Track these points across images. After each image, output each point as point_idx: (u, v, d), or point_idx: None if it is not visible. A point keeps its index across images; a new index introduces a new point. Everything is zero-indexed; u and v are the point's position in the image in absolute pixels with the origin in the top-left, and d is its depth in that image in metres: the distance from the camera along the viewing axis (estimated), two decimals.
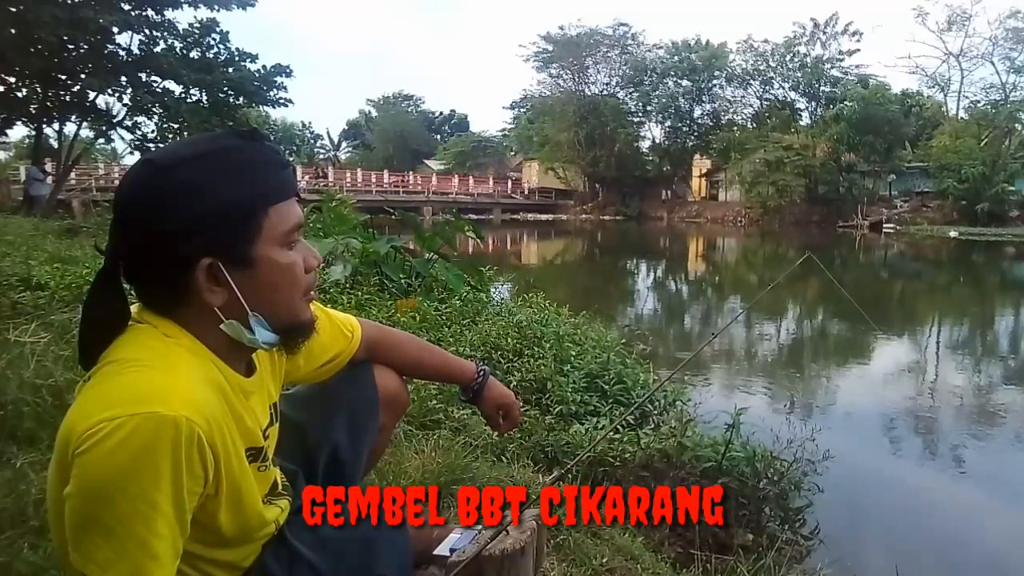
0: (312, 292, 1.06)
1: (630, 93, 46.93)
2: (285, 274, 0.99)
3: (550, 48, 46.06)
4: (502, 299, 6.02)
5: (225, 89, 16.58)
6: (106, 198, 17.88)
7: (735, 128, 43.50)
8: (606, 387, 3.74)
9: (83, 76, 15.27)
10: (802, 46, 41.17)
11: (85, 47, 15.04)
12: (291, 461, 1.32)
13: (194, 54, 16.25)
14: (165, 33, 15.98)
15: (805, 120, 42.14)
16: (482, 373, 1.51)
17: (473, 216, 27.18)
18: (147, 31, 15.76)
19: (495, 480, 2.31)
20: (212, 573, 1.07)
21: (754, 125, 43.11)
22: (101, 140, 19.72)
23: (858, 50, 41.27)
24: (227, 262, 0.94)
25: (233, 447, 0.98)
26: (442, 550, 1.41)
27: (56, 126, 17.05)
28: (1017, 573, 3.48)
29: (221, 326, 0.97)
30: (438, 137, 65.14)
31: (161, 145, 17.18)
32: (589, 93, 46.72)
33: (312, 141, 68.56)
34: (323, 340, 1.27)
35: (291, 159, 1.08)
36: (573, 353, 4.09)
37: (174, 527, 0.89)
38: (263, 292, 0.98)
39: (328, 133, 70.48)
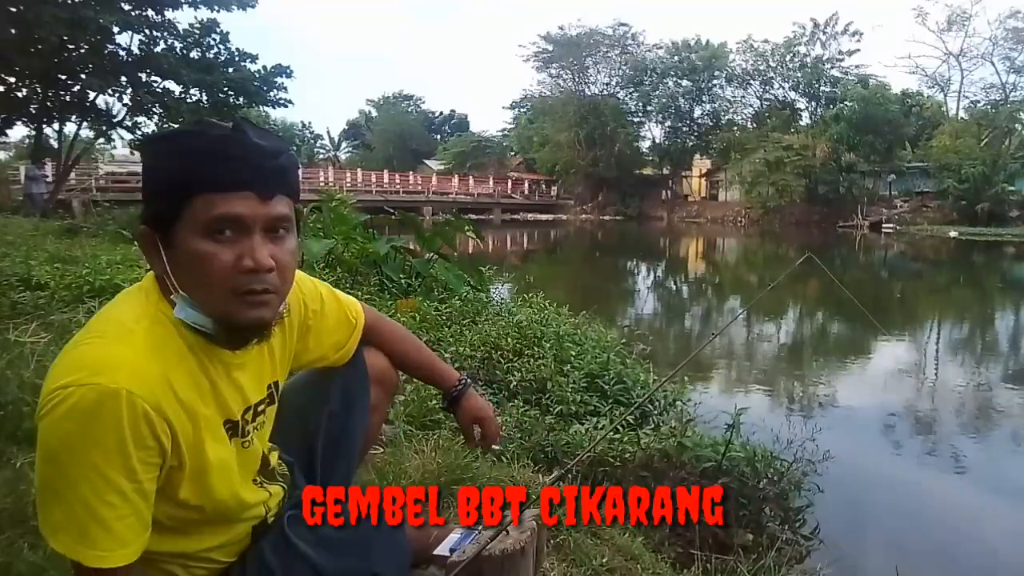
0: (256, 295, 0.99)
1: (630, 93, 46.96)
2: (199, 263, 0.96)
3: (550, 48, 46.07)
4: (502, 299, 6.02)
5: (225, 89, 16.59)
6: (106, 198, 17.88)
7: (735, 128, 43.49)
8: (606, 387, 3.74)
9: (83, 76, 15.28)
10: (802, 46, 41.22)
11: (85, 47, 15.04)
12: (290, 446, 1.33)
13: (194, 54, 16.26)
14: (165, 33, 15.99)
15: (805, 120, 42.17)
16: (463, 382, 1.49)
17: (473, 216, 27.17)
18: (147, 31, 15.77)
19: (495, 480, 2.30)
20: (197, 560, 1.10)
21: (754, 125, 43.10)
22: (101, 140, 19.71)
23: (858, 50, 41.27)
24: (161, 237, 0.97)
25: (198, 418, 1.00)
26: (442, 550, 1.41)
27: (56, 126, 17.07)
28: (1017, 573, 3.48)
29: (171, 296, 0.99)
30: (438, 137, 65.07)
31: None
32: (589, 93, 46.75)
33: (312, 141, 68.53)
34: (329, 324, 1.29)
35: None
36: (573, 353, 4.09)
37: (128, 497, 0.92)
38: (184, 275, 0.98)
39: (328, 133, 70.49)
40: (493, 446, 1.52)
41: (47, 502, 0.92)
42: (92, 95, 15.85)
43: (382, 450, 2.37)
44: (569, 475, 2.49)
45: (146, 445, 0.92)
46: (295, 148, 61.80)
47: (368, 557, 1.22)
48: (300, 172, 1.09)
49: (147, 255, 1.00)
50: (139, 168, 1.13)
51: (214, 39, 16.37)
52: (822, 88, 40.97)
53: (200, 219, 0.95)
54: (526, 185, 49.41)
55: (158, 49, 15.93)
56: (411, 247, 6.30)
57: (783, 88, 43.19)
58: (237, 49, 16.67)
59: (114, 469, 0.90)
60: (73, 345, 0.96)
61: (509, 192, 47.52)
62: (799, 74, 41.35)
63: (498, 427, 1.51)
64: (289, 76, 17.16)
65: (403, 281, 5.57)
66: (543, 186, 50.44)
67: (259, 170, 0.97)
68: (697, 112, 45.85)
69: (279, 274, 1.00)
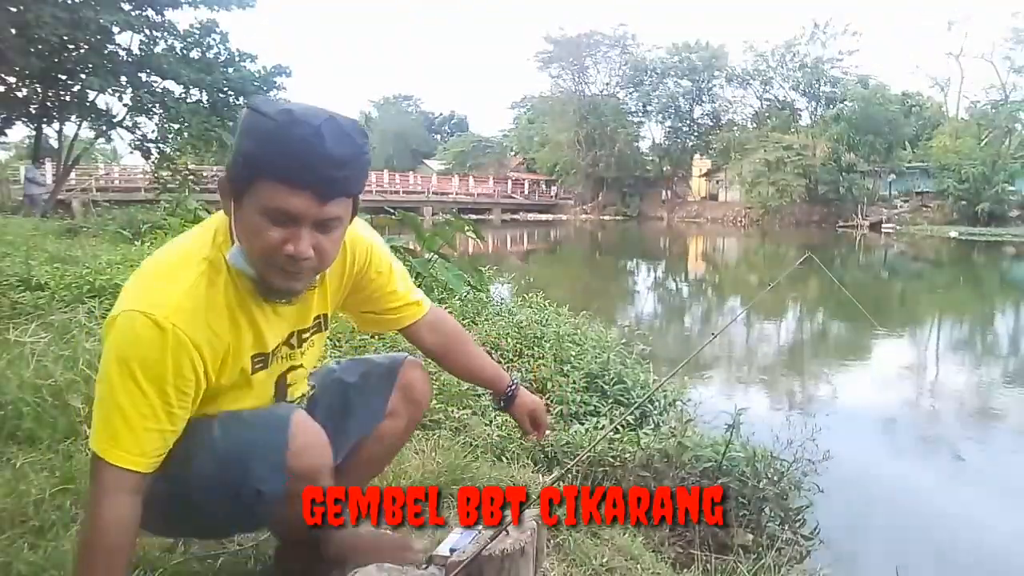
0: (294, 272, 1.15)
1: (630, 93, 46.95)
2: (252, 234, 1.12)
3: (551, 48, 46.08)
4: (502, 299, 6.02)
5: (225, 89, 16.56)
6: (106, 198, 17.87)
7: (735, 128, 43.47)
8: (606, 387, 3.74)
9: (83, 76, 15.25)
10: (802, 46, 41.21)
11: (85, 47, 15.02)
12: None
13: (194, 54, 16.25)
14: (165, 33, 15.98)
15: (805, 120, 42.16)
16: (514, 383, 1.66)
17: (473, 216, 27.17)
18: (147, 31, 15.76)
19: (495, 480, 2.31)
20: None
21: (754, 125, 43.07)
22: (101, 140, 19.70)
23: (857, 50, 41.26)
24: (234, 194, 1.12)
25: (228, 350, 1.18)
26: (442, 550, 1.41)
27: (56, 126, 17.06)
28: (1017, 573, 3.48)
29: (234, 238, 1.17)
30: (438, 137, 65.09)
31: (161, 145, 17.29)
32: (589, 93, 46.73)
33: None
34: (388, 288, 1.45)
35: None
36: (573, 353, 4.09)
37: (158, 413, 1.11)
38: (241, 232, 1.15)
39: None
40: (547, 432, 1.79)
41: (95, 407, 1.13)
42: (92, 95, 15.82)
43: None
44: (569, 475, 2.49)
45: (182, 374, 1.11)
46: None
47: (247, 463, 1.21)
48: (368, 171, 1.22)
49: (222, 199, 1.16)
50: None
51: (214, 39, 16.36)
52: (822, 88, 40.96)
53: (262, 201, 1.09)
54: (526, 185, 49.38)
55: (158, 49, 15.91)
56: (411, 247, 6.29)
57: (783, 88, 43.21)
58: (237, 49, 16.68)
59: (151, 386, 1.09)
60: (143, 272, 1.17)
61: (509, 192, 47.50)
62: (799, 74, 41.34)
63: (547, 417, 1.73)
64: (288, 76, 17.18)
65: None
66: (543, 186, 50.41)
67: (322, 177, 1.08)
68: (697, 112, 45.89)
69: (318, 257, 1.15)
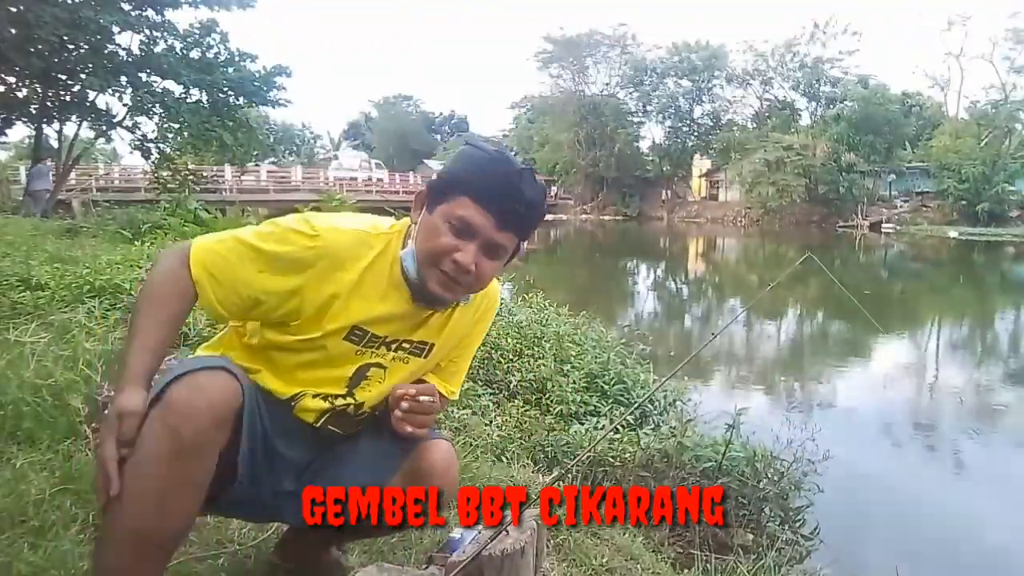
0: (449, 278, 1.27)
1: (630, 93, 46.89)
2: (432, 233, 1.27)
3: (551, 48, 46.07)
4: (502, 299, 6.01)
5: (225, 89, 16.52)
6: (106, 198, 17.85)
7: (735, 128, 43.44)
8: (606, 387, 3.75)
9: (83, 76, 15.22)
10: (802, 46, 41.21)
11: (85, 47, 15.00)
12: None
13: (194, 54, 16.21)
14: (165, 33, 15.94)
15: (805, 120, 42.11)
16: None
17: None
18: (147, 31, 15.71)
19: (495, 480, 2.31)
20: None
21: (754, 125, 43.05)
22: (101, 140, 19.69)
23: (857, 50, 41.21)
24: (428, 202, 1.30)
25: (351, 303, 1.29)
26: (442, 550, 1.41)
27: (56, 126, 17.04)
28: (1017, 573, 3.48)
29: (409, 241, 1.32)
30: (438, 137, 65.11)
31: (161, 145, 17.28)
32: (589, 93, 46.71)
33: (312, 141, 68.49)
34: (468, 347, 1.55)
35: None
36: (573, 353, 4.09)
37: (241, 276, 1.25)
38: (420, 233, 1.29)
39: (328, 134, 70.36)
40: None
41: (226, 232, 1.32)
42: (92, 95, 15.79)
43: None
44: (569, 475, 2.49)
45: (295, 268, 1.25)
46: (295, 148, 61.88)
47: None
48: (537, 226, 1.39)
49: (414, 208, 1.34)
50: None
51: (214, 39, 16.32)
52: (822, 88, 40.94)
53: (452, 210, 1.26)
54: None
55: (158, 49, 15.86)
56: None
57: (783, 88, 43.19)
58: (237, 49, 16.64)
59: (264, 258, 1.25)
60: (344, 213, 1.40)
61: None
62: (799, 74, 41.32)
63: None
64: (288, 76, 17.16)
65: None
66: None
67: (508, 208, 1.26)
68: (697, 112, 45.78)
69: (476, 278, 1.29)
